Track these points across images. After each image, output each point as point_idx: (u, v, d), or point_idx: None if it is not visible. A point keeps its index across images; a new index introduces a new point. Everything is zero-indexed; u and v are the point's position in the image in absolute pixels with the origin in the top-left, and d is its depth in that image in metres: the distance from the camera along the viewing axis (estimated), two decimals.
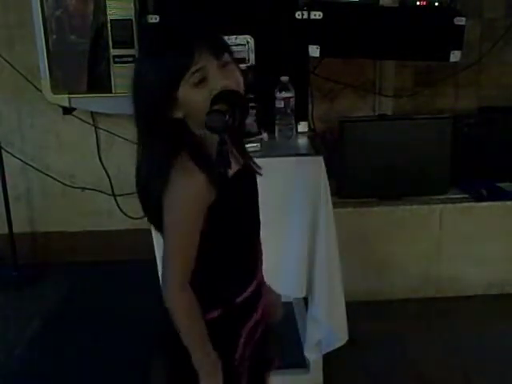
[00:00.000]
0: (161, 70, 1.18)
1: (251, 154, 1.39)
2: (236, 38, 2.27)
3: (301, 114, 2.36)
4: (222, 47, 1.23)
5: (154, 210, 1.27)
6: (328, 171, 2.10)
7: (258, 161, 1.38)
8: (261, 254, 1.39)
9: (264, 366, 1.47)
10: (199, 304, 1.26)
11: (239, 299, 1.32)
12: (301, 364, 2.28)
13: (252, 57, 2.32)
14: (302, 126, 2.39)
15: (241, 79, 1.25)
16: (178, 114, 1.22)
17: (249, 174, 1.34)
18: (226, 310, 1.30)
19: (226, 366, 1.29)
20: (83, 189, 3.31)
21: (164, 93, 1.19)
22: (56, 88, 2.79)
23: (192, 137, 1.23)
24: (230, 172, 1.20)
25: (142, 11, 2.58)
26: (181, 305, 1.24)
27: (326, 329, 2.17)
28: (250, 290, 1.34)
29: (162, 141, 1.22)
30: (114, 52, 2.69)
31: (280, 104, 2.24)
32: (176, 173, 1.20)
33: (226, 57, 1.22)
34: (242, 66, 1.33)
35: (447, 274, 2.88)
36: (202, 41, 1.19)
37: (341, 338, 2.19)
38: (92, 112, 3.13)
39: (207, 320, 1.27)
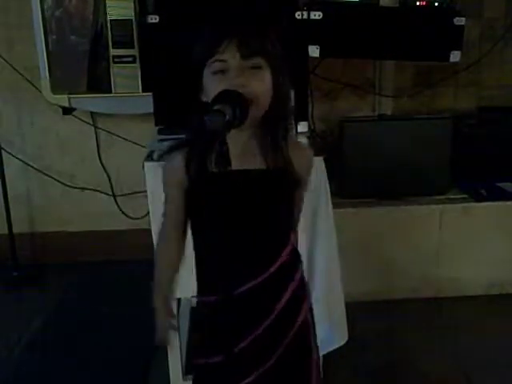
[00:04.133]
0: (195, 50, 1.25)
1: None
2: None
3: (301, 114, 2.35)
4: (256, 50, 1.22)
5: None
6: (328, 171, 2.10)
7: None
8: (261, 258, 1.33)
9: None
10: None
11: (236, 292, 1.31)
12: None
13: None
14: (302, 126, 2.38)
15: (266, 88, 1.23)
16: (203, 97, 1.26)
17: (257, 176, 1.28)
18: (222, 300, 1.33)
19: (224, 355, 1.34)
20: (83, 189, 3.31)
21: (192, 70, 1.25)
22: (56, 88, 2.79)
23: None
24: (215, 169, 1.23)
25: (142, 11, 2.58)
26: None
27: (325, 329, 2.17)
28: (238, 290, 1.31)
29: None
30: (113, 52, 2.69)
31: None
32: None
33: (259, 61, 1.22)
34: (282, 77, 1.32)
35: (447, 274, 2.88)
36: (234, 37, 1.20)
37: (341, 338, 2.18)
38: (92, 112, 3.14)
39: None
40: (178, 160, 1.29)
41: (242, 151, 1.24)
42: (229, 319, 1.34)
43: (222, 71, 1.21)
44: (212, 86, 1.22)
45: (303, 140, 2.23)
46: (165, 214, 1.39)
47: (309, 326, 1.43)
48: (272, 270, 1.32)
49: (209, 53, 1.21)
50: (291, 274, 1.38)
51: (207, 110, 1.18)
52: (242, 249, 1.31)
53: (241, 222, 1.29)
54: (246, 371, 1.35)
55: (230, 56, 1.20)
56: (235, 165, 1.20)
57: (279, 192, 1.31)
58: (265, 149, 1.28)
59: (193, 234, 1.36)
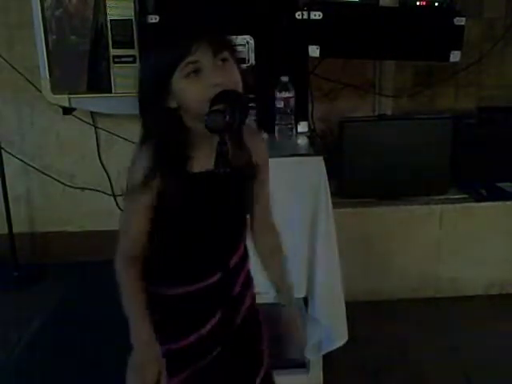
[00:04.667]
0: (159, 58, 1.23)
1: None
2: (236, 38, 2.27)
3: (301, 114, 2.36)
4: (223, 45, 1.23)
5: None
6: (328, 171, 2.10)
7: None
8: (227, 252, 1.39)
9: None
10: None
11: (192, 288, 1.36)
12: (301, 364, 2.28)
13: (252, 57, 2.33)
14: (302, 126, 2.39)
15: (238, 78, 1.25)
16: (172, 104, 1.25)
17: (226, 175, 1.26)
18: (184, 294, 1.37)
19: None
20: (83, 189, 3.31)
21: (159, 79, 1.23)
22: (56, 88, 2.79)
23: (177, 128, 1.26)
24: (197, 170, 1.26)
25: (141, 11, 2.58)
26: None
27: (325, 329, 2.17)
28: (208, 281, 1.36)
29: (150, 124, 1.31)
30: (113, 52, 2.69)
31: (280, 104, 2.24)
32: (135, 155, 1.31)
33: (226, 55, 1.23)
34: (242, 66, 1.33)
35: (447, 274, 2.88)
36: (202, 36, 1.21)
37: (341, 337, 2.19)
38: (92, 112, 3.14)
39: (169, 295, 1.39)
40: (147, 164, 1.27)
41: (211, 152, 1.21)
42: (197, 306, 1.39)
43: (195, 71, 1.20)
44: (188, 88, 1.21)
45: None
46: (130, 226, 1.39)
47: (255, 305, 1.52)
48: (233, 261, 1.39)
49: (179, 57, 1.20)
50: (244, 264, 1.46)
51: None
52: (212, 244, 1.35)
53: (214, 219, 1.31)
54: (211, 348, 1.41)
55: (202, 55, 1.20)
56: (203, 166, 1.25)
57: (246, 186, 1.34)
58: (233, 146, 1.27)
59: (157, 232, 1.35)
